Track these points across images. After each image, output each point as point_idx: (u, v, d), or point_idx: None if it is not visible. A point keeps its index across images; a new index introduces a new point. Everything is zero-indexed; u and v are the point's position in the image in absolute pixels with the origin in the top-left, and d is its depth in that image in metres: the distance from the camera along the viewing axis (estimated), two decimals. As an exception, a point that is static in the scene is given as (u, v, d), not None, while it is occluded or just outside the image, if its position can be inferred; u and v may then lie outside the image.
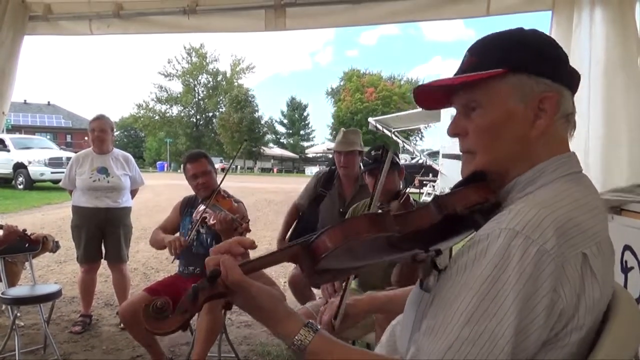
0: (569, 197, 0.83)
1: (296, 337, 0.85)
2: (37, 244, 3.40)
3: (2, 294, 3.09)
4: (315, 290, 3.46)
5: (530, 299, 0.73)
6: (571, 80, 0.92)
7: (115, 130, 4.21)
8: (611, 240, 0.87)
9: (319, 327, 0.88)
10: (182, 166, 3.30)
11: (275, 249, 0.97)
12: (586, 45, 2.75)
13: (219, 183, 3.07)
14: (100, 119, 4.02)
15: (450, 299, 0.78)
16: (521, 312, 0.72)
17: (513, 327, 0.72)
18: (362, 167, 3.23)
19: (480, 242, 0.78)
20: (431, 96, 1.00)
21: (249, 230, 2.78)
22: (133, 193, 4.24)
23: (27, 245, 3.27)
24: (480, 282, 0.75)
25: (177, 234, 3.15)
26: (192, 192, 3.34)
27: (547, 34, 0.97)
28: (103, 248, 4.00)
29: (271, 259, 0.92)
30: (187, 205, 3.25)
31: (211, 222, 2.83)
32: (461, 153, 0.98)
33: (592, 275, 0.77)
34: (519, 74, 0.88)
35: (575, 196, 0.83)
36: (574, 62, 3.15)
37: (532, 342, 0.74)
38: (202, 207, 2.98)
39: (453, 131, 0.96)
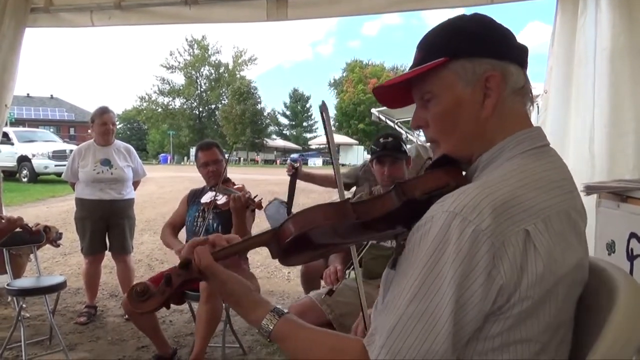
0: (518, 175, 0.85)
1: (263, 322, 0.92)
2: (38, 234, 3.40)
3: (8, 285, 3.10)
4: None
5: (468, 277, 0.77)
6: (518, 55, 0.94)
7: (117, 122, 4.22)
8: (573, 214, 0.86)
9: (285, 311, 0.94)
10: (194, 154, 3.46)
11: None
12: (591, 32, 2.72)
13: (224, 169, 3.19)
14: (110, 112, 4.03)
15: (401, 278, 0.83)
16: (459, 289, 0.77)
17: (452, 303, 0.76)
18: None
19: (426, 223, 0.83)
20: (393, 95, 1.05)
21: (261, 207, 2.91)
22: (135, 185, 4.24)
23: (29, 236, 3.27)
24: (424, 261, 0.80)
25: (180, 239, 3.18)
26: (197, 185, 3.40)
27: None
28: (107, 240, 4.01)
29: (243, 246, 1.02)
30: (194, 196, 3.34)
31: (222, 201, 2.95)
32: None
33: (535, 250, 0.79)
34: (460, 60, 0.92)
35: (526, 174, 0.85)
36: (579, 49, 3.13)
37: (472, 317, 0.78)
38: (211, 193, 3.08)
39: (415, 123, 1.02)
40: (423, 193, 0.90)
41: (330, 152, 1.44)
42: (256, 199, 2.90)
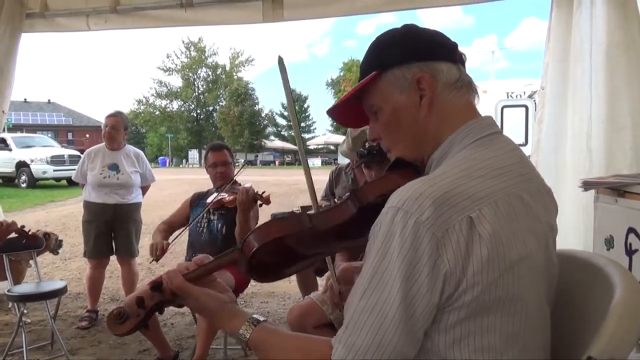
0: (462, 165, 0.87)
1: (240, 332, 0.95)
2: (37, 241, 3.38)
3: (8, 291, 3.10)
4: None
5: (415, 268, 0.79)
6: (445, 52, 0.98)
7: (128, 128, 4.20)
8: (526, 196, 0.87)
9: (261, 319, 0.97)
10: (204, 155, 3.47)
11: None
12: (587, 28, 2.72)
13: (235, 175, 3.18)
14: (116, 115, 4.04)
15: (359, 276, 0.86)
16: (406, 281, 0.79)
17: (400, 295, 0.79)
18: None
19: (377, 222, 0.86)
20: (350, 115, 1.11)
21: (269, 202, 2.84)
22: (144, 190, 4.26)
23: (24, 241, 3.23)
24: (373, 257, 0.83)
25: (162, 239, 3.06)
26: (195, 187, 3.37)
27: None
28: (113, 244, 4.01)
29: (212, 266, 1.04)
30: (198, 199, 3.29)
31: (228, 199, 2.90)
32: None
33: (479, 237, 0.80)
34: (390, 70, 0.98)
35: (470, 163, 0.88)
36: (574, 45, 3.13)
37: (422, 309, 0.80)
38: (216, 194, 3.04)
39: (372, 137, 1.07)
40: (378, 196, 0.91)
41: (290, 112, 1.39)
42: (264, 194, 2.85)
